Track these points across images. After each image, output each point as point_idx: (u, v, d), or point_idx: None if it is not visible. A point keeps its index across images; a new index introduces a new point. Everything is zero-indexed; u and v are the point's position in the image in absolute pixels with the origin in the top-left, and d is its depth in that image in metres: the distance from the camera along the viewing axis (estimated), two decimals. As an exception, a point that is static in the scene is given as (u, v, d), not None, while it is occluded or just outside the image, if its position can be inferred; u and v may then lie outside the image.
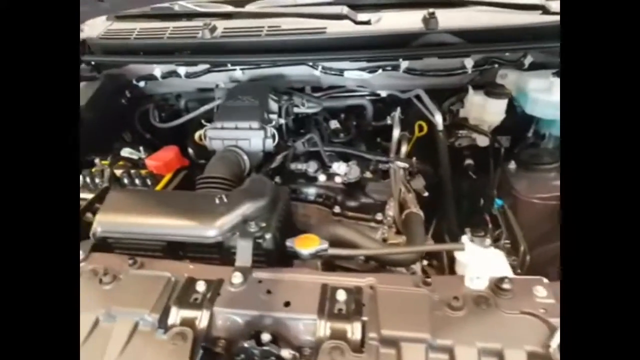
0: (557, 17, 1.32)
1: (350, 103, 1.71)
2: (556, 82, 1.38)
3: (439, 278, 0.93)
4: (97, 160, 1.56)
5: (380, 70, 1.48)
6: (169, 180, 1.48)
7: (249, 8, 1.64)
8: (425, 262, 1.29)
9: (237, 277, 0.91)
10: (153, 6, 1.73)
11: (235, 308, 0.86)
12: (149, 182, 1.44)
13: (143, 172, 1.47)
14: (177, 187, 1.47)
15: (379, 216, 1.40)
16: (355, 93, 1.70)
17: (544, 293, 0.84)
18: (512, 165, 1.54)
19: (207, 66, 1.60)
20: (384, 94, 1.65)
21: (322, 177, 1.51)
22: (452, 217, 1.56)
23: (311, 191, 1.51)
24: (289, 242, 1.01)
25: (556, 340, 0.74)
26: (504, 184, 1.52)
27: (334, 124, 1.73)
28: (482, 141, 1.59)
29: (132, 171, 1.46)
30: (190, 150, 1.71)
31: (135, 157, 1.59)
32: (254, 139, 1.44)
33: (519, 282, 0.87)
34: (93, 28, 1.67)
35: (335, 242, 1.04)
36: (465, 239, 1.06)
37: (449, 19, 1.38)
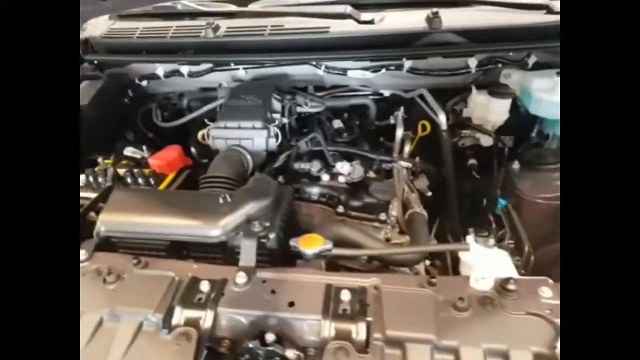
0: (562, 17, 1.32)
1: (354, 102, 1.70)
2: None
3: (443, 278, 0.93)
4: (100, 159, 1.56)
5: (383, 70, 1.48)
6: (172, 179, 1.47)
7: (252, 7, 1.64)
8: (427, 262, 1.29)
9: (241, 277, 0.91)
10: (155, 5, 1.73)
11: (240, 308, 0.86)
12: (152, 181, 1.44)
13: (146, 171, 1.47)
14: (180, 186, 1.47)
15: (382, 216, 1.40)
16: (358, 92, 1.69)
17: (550, 294, 0.84)
18: (516, 165, 1.54)
19: (210, 65, 1.59)
20: (387, 93, 1.65)
21: (325, 177, 1.51)
22: (455, 217, 1.55)
23: (314, 191, 1.51)
24: (292, 242, 1.01)
25: (562, 341, 0.74)
26: (508, 184, 1.51)
27: (337, 123, 1.73)
28: (486, 141, 1.58)
29: (135, 170, 1.45)
30: (192, 150, 1.71)
31: (138, 156, 1.58)
32: (257, 138, 1.44)
33: (524, 282, 0.87)
34: (96, 27, 1.67)
35: (339, 242, 1.04)
36: (470, 239, 1.06)
37: (453, 18, 1.38)
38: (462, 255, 1.06)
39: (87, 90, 1.63)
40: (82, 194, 1.38)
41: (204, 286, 0.89)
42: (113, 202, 1.15)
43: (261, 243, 1.02)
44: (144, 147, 1.61)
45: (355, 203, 1.48)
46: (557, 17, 1.32)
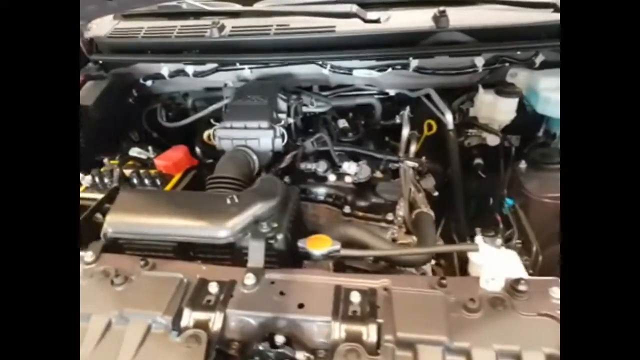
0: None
1: (359, 102, 1.70)
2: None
3: (454, 279, 0.92)
4: (105, 160, 1.55)
5: (389, 69, 1.47)
6: (179, 180, 1.47)
7: (258, 6, 1.63)
8: (433, 262, 1.29)
9: (249, 279, 0.90)
10: (160, 5, 1.73)
11: (249, 310, 0.85)
12: (158, 182, 1.43)
13: (152, 172, 1.46)
14: (186, 187, 1.46)
15: (389, 216, 1.39)
16: (363, 92, 1.69)
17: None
18: (523, 164, 1.52)
19: (215, 65, 1.59)
20: (392, 92, 1.64)
21: (331, 177, 1.50)
22: (462, 216, 1.55)
23: (321, 191, 1.49)
24: (300, 243, 1.01)
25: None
26: (515, 184, 1.50)
27: (343, 123, 1.72)
28: (492, 140, 1.58)
29: (142, 171, 1.44)
30: (198, 150, 1.70)
31: (144, 156, 1.58)
32: (263, 138, 1.43)
33: (534, 283, 0.86)
34: (100, 27, 1.67)
35: (346, 243, 1.03)
36: (479, 239, 1.05)
37: (460, 17, 1.37)
38: (472, 255, 1.05)
39: (92, 91, 1.63)
40: (88, 195, 1.38)
41: (213, 288, 0.89)
42: (120, 204, 1.14)
43: (269, 244, 1.01)
44: (150, 148, 1.60)
45: (362, 203, 1.46)
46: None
